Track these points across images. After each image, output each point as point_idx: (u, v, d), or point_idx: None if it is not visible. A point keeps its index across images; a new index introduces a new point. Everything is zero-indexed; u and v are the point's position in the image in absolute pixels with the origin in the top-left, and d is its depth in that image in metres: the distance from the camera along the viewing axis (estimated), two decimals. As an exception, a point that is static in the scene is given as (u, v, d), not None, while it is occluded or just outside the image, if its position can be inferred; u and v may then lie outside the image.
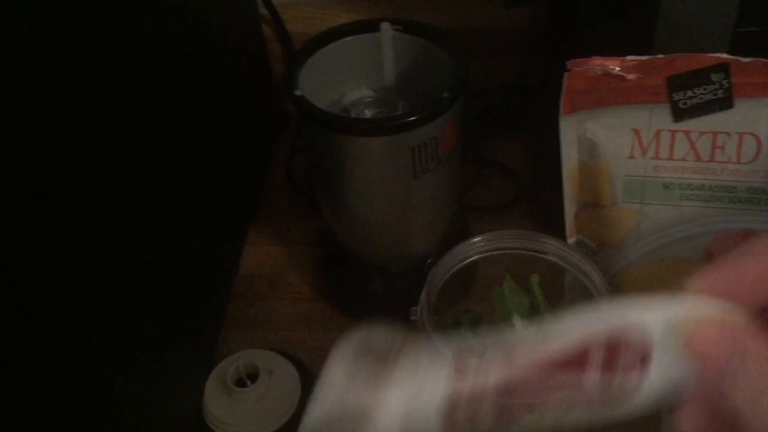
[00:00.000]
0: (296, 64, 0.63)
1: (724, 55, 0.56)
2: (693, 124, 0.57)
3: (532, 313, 0.54)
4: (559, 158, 0.61)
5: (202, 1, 0.69)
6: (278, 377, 0.66)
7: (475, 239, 0.54)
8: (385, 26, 0.66)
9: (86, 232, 0.48)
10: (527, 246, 0.55)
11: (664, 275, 0.62)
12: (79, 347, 0.47)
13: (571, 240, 0.63)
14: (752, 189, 0.58)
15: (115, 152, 0.52)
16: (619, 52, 0.57)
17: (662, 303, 0.30)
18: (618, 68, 0.56)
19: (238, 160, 0.81)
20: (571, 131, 0.59)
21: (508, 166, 0.87)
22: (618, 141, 0.59)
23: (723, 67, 0.56)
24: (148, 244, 0.57)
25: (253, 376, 0.65)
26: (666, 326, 0.28)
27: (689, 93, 0.57)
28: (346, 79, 0.68)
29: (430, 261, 0.73)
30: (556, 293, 0.57)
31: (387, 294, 0.74)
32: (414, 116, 0.58)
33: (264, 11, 0.88)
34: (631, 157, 0.59)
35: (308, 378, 0.68)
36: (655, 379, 0.28)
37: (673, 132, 0.58)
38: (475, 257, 0.54)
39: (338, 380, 0.30)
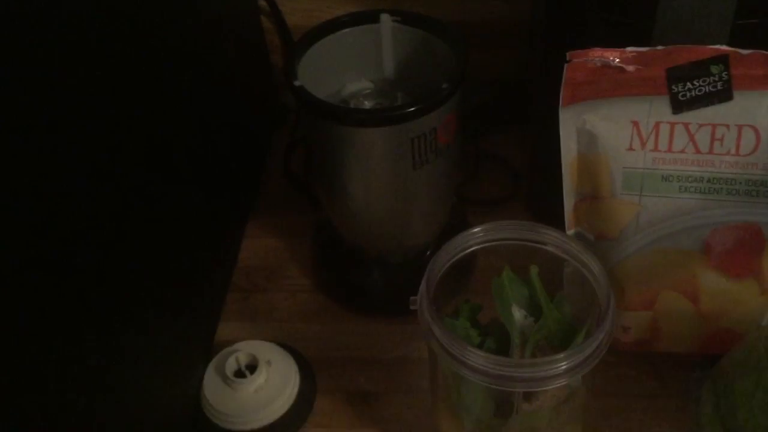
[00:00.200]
0: (296, 55, 0.63)
1: (724, 47, 0.56)
2: (692, 116, 0.57)
3: (531, 303, 0.54)
4: (557, 151, 0.61)
5: (201, -8, 0.69)
6: (277, 368, 0.66)
7: (475, 229, 0.54)
8: (385, 17, 0.66)
9: (85, 223, 0.48)
10: (527, 237, 0.55)
11: (662, 267, 0.62)
12: (78, 337, 0.47)
13: (569, 232, 0.63)
14: (751, 181, 0.58)
15: (114, 144, 0.52)
16: (619, 44, 0.57)
17: None
18: (618, 60, 0.56)
19: (237, 152, 0.80)
20: (570, 123, 0.60)
21: (506, 159, 0.87)
22: (617, 133, 0.59)
23: (722, 59, 0.56)
24: (147, 235, 0.57)
25: (252, 367, 0.65)
26: None
27: (689, 85, 0.57)
28: (346, 70, 0.68)
29: (428, 253, 0.73)
30: (555, 284, 0.57)
31: (385, 286, 0.74)
32: (414, 107, 0.58)
33: (263, 2, 0.88)
34: (630, 149, 0.59)
35: (306, 369, 0.68)
36: None
37: (673, 124, 0.58)
38: (474, 247, 0.54)
39: None
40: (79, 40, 0.47)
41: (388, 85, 0.69)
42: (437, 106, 0.59)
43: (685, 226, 0.60)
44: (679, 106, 0.57)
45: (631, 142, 0.59)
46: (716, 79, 0.56)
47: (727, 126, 0.57)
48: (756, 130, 0.57)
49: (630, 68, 0.56)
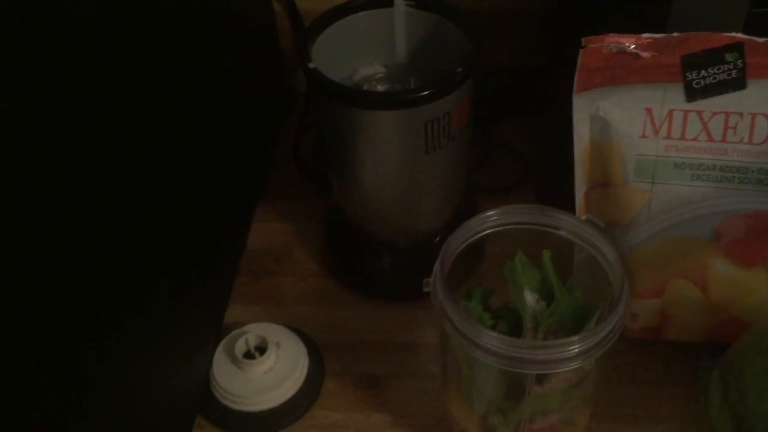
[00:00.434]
0: (309, 38, 0.63)
1: (739, 35, 0.56)
2: (706, 104, 0.57)
3: (543, 288, 0.54)
4: (567, 139, 0.61)
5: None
6: (286, 350, 0.66)
7: (489, 213, 0.54)
8: (398, 2, 0.66)
9: (97, 208, 0.48)
10: (540, 221, 0.55)
11: (673, 255, 0.62)
12: (90, 318, 0.47)
13: (580, 219, 0.63)
14: (763, 170, 0.58)
15: (124, 130, 0.52)
16: (633, 30, 0.57)
17: None
18: (633, 46, 0.56)
19: (246, 136, 0.80)
20: (583, 109, 0.60)
21: (515, 147, 0.87)
22: (630, 120, 0.59)
23: (737, 47, 0.56)
24: (159, 219, 0.57)
25: (261, 349, 0.66)
26: None
27: (703, 72, 0.57)
28: (358, 54, 0.68)
29: (437, 239, 0.73)
30: (566, 270, 0.57)
31: (394, 271, 0.74)
32: (428, 90, 0.58)
33: (274, -14, 0.87)
34: (643, 136, 0.59)
35: (315, 352, 0.68)
36: None
37: (686, 112, 0.58)
38: (488, 231, 0.54)
39: None
40: (87, 27, 0.47)
41: (401, 70, 0.69)
42: (451, 90, 0.59)
43: (696, 214, 0.60)
44: (693, 93, 0.57)
45: (644, 130, 0.59)
46: (731, 67, 0.56)
47: (741, 114, 0.57)
48: (769, 119, 0.57)
49: (645, 54, 0.56)
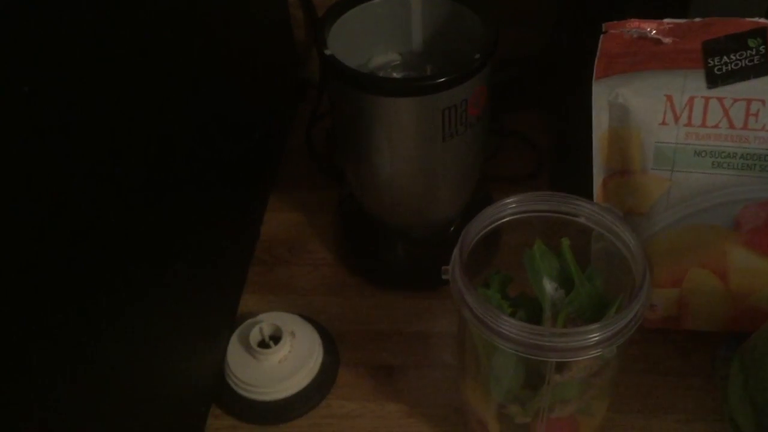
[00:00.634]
0: (325, 25, 0.63)
1: (762, 20, 0.55)
2: (727, 91, 0.57)
3: (562, 276, 0.54)
4: (584, 127, 0.61)
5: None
6: (300, 339, 0.66)
7: (508, 200, 0.53)
8: (415, -12, 0.65)
9: (113, 197, 0.48)
10: (560, 208, 0.54)
11: (692, 244, 0.61)
12: (104, 308, 0.47)
13: (598, 208, 0.63)
14: (785, 158, 0.58)
15: (139, 120, 0.51)
16: (654, 15, 0.56)
17: None
18: (654, 31, 0.56)
19: (259, 126, 0.80)
20: (602, 96, 0.59)
21: (530, 137, 0.86)
22: (650, 107, 0.58)
23: (760, 33, 0.55)
24: (171, 208, 0.57)
25: (276, 338, 0.65)
26: None
27: (725, 59, 0.56)
28: (374, 42, 0.68)
29: (452, 229, 0.73)
30: (584, 259, 0.57)
31: (408, 260, 0.74)
32: (446, 77, 0.57)
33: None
34: (663, 123, 0.59)
35: (329, 342, 0.68)
36: None
37: (707, 98, 0.57)
38: (507, 218, 0.53)
39: None
40: (105, 14, 0.46)
41: (416, 58, 0.69)
42: (469, 76, 0.58)
43: (716, 203, 0.60)
44: (714, 80, 0.57)
45: (665, 117, 0.58)
46: (753, 53, 0.56)
47: (763, 101, 0.57)
48: (792, 106, 0.56)
49: (666, 40, 0.56)
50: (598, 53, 0.57)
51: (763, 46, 0.55)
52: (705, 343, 0.66)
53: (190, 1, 0.60)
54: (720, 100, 0.57)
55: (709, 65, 0.56)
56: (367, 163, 0.65)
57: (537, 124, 0.88)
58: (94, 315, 0.46)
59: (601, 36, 0.56)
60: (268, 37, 0.84)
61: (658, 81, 0.57)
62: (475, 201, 0.71)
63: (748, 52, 0.56)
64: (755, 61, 0.56)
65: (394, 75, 0.67)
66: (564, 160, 0.79)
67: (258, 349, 0.64)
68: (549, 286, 0.53)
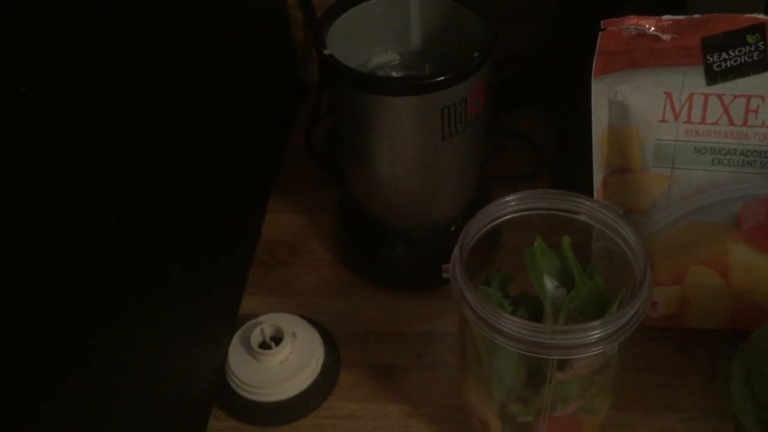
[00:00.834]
0: (324, 25, 0.63)
1: (761, 16, 0.55)
2: (727, 88, 0.57)
3: (563, 273, 0.53)
4: (583, 126, 0.60)
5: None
6: (302, 340, 0.66)
7: (508, 198, 0.53)
8: (413, -12, 0.65)
9: (112, 198, 0.47)
10: (560, 206, 0.54)
11: (693, 241, 0.61)
12: (104, 308, 0.47)
13: (598, 206, 0.62)
14: (785, 154, 0.57)
15: (139, 121, 0.51)
16: (653, 12, 0.56)
17: None
18: (653, 28, 0.56)
19: (259, 127, 0.80)
20: (602, 94, 0.59)
21: (530, 136, 0.86)
22: (650, 104, 0.58)
23: (759, 29, 0.55)
24: (171, 209, 0.57)
25: (277, 339, 0.65)
26: None
27: (724, 55, 0.56)
28: (372, 42, 0.68)
29: (453, 228, 0.73)
30: (586, 255, 0.57)
31: (409, 260, 0.74)
32: (445, 75, 0.57)
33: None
34: (663, 120, 0.58)
35: (331, 342, 0.68)
36: None
37: (706, 95, 0.57)
38: (508, 216, 0.53)
39: None
40: (98, 23, 0.46)
41: (415, 57, 0.69)
42: (468, 75, 0.58)
43: (716, 200, 0.60)
44: (713, 76, 0.57)
45: (664, 114, 0.58)
46: (752, 49, 0.56)
47: (762, 98, 0.57)
48: (792, 102, 0.56)
49: (665, 37, 0.56)
50: (596, 51, 0.57)
51: (761, 42, 0.55)
52: (706, 340, 0.66)
53: (187, 3, 0.60)
54: (719, 96, 0.57)
55: (708, 62, 0.56)
56: (367, 163, 0.65)
57: (537, 122, 0.88)
58: (94, 316, 0.46)
59: (600, 33, 0.56)
60: (268, 37, 0.84)
61: (657, 78, 0.57)
62: (476, 200, 0.71)
63: (747, 48, 0.55)
64: (754, 57, 0.56)
65: (393, 74, 0.67)
66: (564, 158, 0.79)
67: (259, 350, 0.64)
68: (550, 284, 0.53)
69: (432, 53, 0.68)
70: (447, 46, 0.67)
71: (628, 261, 0.52)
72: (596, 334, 0.47)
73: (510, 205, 0.54)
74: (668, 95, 0.58)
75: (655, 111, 0.58)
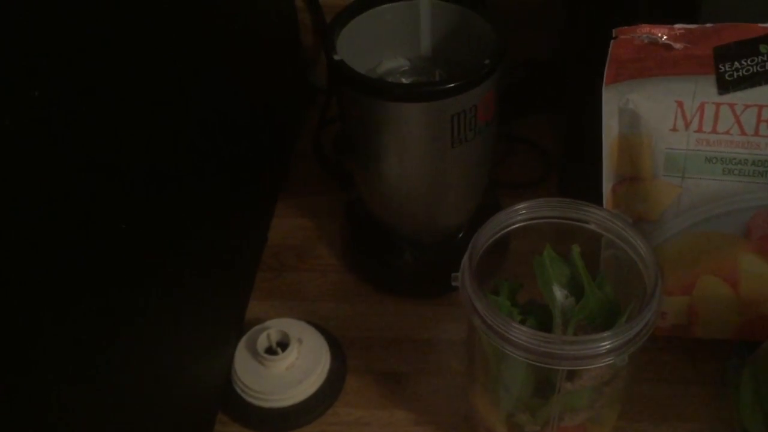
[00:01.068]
0: (334, 30, 0.62)
1: (774, 26, 0.55)
2: (738, 97, 0.56)
3: (572, 283, 0.53)
4: (593, 133, 0.60)
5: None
6: (308, 346, 0.65)
7: (518, 206, 0.53)
8: (424, -7, 0.65)
9: (118, 203, 0.47)
10: (570, 215, 0.54)
11: (702, 251, 0.61)
12: (109, 313, 0.47)
13: (607, 214, 0.62)
14: (797, 164, 0.57)
15: (146, 125, 0.51)
16: (665, 21, 0.56)
17: None
18: (665, 37, 0.55)
19: (266, 131, 0.80)
20: (613, 102, 0.59)
21: (538, 142, 0.86)
22: (661, 113, 0.58)
23: (772, 39, 0.55)
24: (178, 213, 0.57)
25: (283, 345, 0.65)
26: None
27: (736, 64, 0.56)
28: (382, 47, 0.67)
29: (461, 235, 0.73)
30: (596, 265, 0.56)
31: (416, 267, 0.74)
32: (456, 82, 0.57)
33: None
34: (674, 129, 0.58)
35: (337, 348, 0.68)
36: None
37: (718, 104, 0.57)
38: (518, 224, 0.53)
39: None
40: (104, 27, 0.46)
41: (425, 63, 0.68)
42: (479, 82, 0.58)
43: (727, 210, 0.59)
44: (725, 86, 0.56)
45: (675, 123, 0.58)
46: (765, 59, 0.55)
47: (774, 107, 0.56)
48: (804, 113, 0.56)
49: (677, 46, 0.55)
50: (608, 59, 0.57)
51: (774, 52, 0.55)
52: (715, 351, 0.65)
53: (196, 7, 0.59)
54: (731, 106, 0.57)
55: (720, 71, 0.56)
56: (376, 169, 0.65)
57: (546, 129, 0.87)
58: (99, 321, 0.46)
59: (612, 42, 0.56)
60: (276, 41, 0.84)
61: (668, 87, 0.57)
62: (484, 207, 0.71)
63: (760, 57, 0.55)
64: (766, 67, 0.55)
65: (403, 80, 0.67)
66: (572, 165, 0.78)
67: (265, 355, 0.63)
68: (559, 293, 0.53)
69: (442, 59, 0.68)
70: (457, 53, 0.67)
71: (638, 270, 0.52)
72: (606, 345, 0.46)
73: (520, 214, 0.53)
74: (679, 104, 0.57)
75: (666, 120, 0.58)
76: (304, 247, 0.78)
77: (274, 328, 0.65)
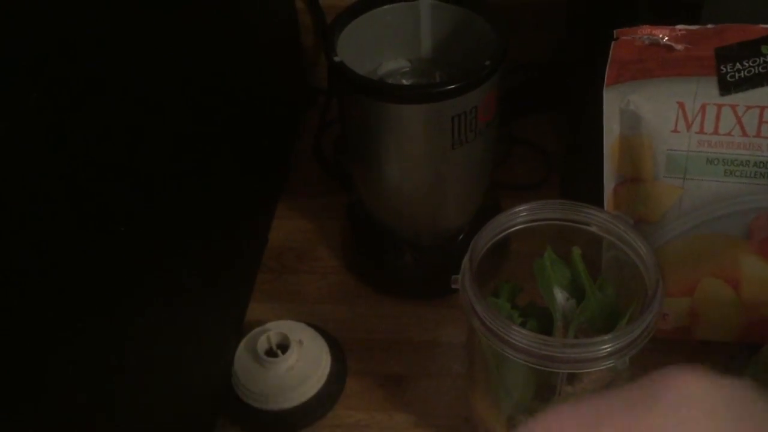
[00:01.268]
0: (335, 32, 0.62)
1: (776, 27, 0.55)
2: (740, 98, 0.56)
3: (573, 285, 0.53)
4: (594, 135, 0.60)
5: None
6: (308, 348, 0.65)
7: (519, 208, 0.53)
8: (424, -6, 0.65)
9: (121, 204, 0.47)
10: (571, 217, 0.54)
11: (704, 253, 0.61)
12: (111, 315, 0.47)
13: (609, 216, 0.62)
14: (799, 166, 0.57)
15: (146, 126, 0.51)
16: (666, 22, 0.56)
17: None
18: (667, 38, 0.55)
19: (267, 133, 0.80)
20: (613, 103, 0.58)
21: (539, 144, 0.86)
22: (662, 114, 0.58)
23: (773, 40, 0.55)
24: (179, 215, 0.57)
25: (283, 347, 0.65)
26: None
27: (737, 65, 0.55)
28: (383, 48, 0.67)
29: (461, 237, 0.72)
30: (597, 267, 0.56)
31: (417, 269, 0.73)
32: (456, 84, 0.57)
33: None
34: (675, 131, 0.58)
35: (337, 350, 0.68)
36: None
37: (719, 106, 0.57)
38: (518, 226, 0.53)
39: None
40: (110, 30, 0.46)
41: (425, 65, 0.68)
42: (479, 83, 0.58)
43: (728, 211, 0.59)
44: (726, 87, 0.56)
45: (676, 124, 0.58)
46: (766, 60, 0.55)
47: (776, 109, 0.56)
48: (806, 114, 0.55)
49: (678, 47, 0.55)
50: (609, 60, 0.56)
51: (776, 53, 0.55)
52: (717, 353, 0.65)
53: (197, 8, 0.59)
54: (733, 107, 0.56)
55: (722, 72, 0.56)
56: (376, 171, 0.65)
57: (546, 130, 0.87)
58: (99, 324, 0.45)
59: (613, 43, 0.56)
60: (276, 42, 0.83)
61: (669, 88, 0.57)
62: (485, 208, 0.71)
63: (762, 58, 0.55)
64: (768, 69, 0.55)
65: (404, 82, 0.67)
66: (574, 167, 0.78)
67: (265, 357, 0.63)
68: (560, 295, 0.53)
69: (442, 61, 0.68)
70: (457, 54, 0.66)
71: (639, 273, 0.52)
72: (607, 347, 0.46)
73: (520, 216, 0.53)
74: (681, 105, 0.57)
75: (667, 121, 0.58)
76: (305, 249, 0.78)
77: (274, 330, 0.65)
